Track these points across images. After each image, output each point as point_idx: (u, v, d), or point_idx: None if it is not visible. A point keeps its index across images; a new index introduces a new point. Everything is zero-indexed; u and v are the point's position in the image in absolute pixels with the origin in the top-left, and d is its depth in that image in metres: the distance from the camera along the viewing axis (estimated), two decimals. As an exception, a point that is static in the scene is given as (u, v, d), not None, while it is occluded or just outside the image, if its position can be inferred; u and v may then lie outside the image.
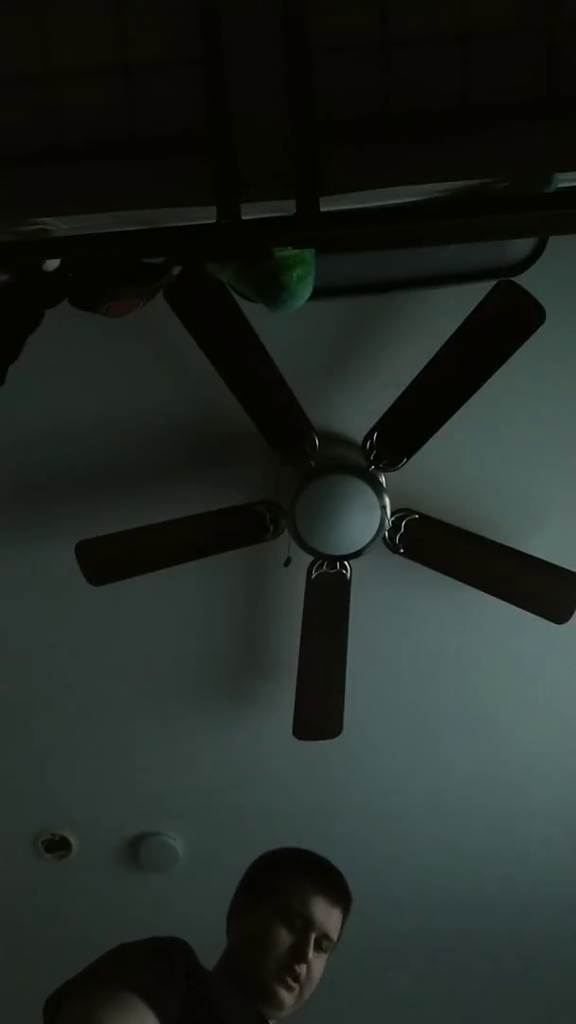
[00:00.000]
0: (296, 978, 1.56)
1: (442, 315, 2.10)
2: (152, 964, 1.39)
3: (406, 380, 2.11)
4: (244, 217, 0.93)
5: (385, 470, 2.25)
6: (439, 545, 2.31)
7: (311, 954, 1.58)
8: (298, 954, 1.56)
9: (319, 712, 2.52)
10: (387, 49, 0.89)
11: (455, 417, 2.13)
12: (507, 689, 2.67)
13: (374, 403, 2.20)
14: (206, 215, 0.94)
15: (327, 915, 1.62)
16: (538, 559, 2.31)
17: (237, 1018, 1.48)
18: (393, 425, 2.18)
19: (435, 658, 2.64)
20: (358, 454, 2.25)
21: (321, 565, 2.34)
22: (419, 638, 2.62)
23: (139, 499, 2.42)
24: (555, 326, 2.04)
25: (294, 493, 2.23)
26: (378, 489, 2.22)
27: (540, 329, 2.01)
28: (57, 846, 2.92)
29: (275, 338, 2.08)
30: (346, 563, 2.33)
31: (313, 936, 1.59)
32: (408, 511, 2.29)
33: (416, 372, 2.10)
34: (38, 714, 2.74)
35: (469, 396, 2.10)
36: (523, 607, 2.34)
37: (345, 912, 1.67)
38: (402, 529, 2.29)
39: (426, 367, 2.09)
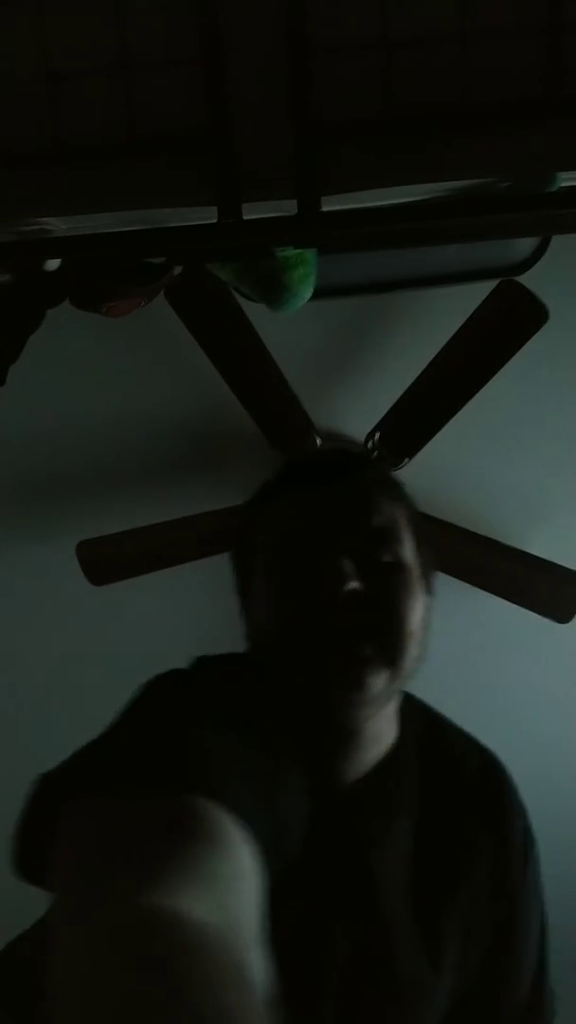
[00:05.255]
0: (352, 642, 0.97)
1: (443, 315, 2.10)
2: None
3: (407, 380, 2.11)
4: (245, 217, 0.93)
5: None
6: (439, 545, 2.31)
7: (351, 578, 0.99)
8: (327, 595, 0.99)
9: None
10: (387, 49, 0.89)
11: (456, 417, 2.12)
12: (509, 689, 2.67)
13: (375, 403, 2.19)
14: (206, 215, 0.93)
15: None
16: (540, 558, 2.31)
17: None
18: (394, 425, 2.17)
19: (435, 658, 2.62)
20: (359, 454, 2.25)
21: (322, 565, 2.33)
22: (420, 638, 2.61)
23: (139, 499, 2.42)
24: (557, 326, 2.04)
25: (295, 493, 2.22)
26: (379, 489, 2.22)
27: (542, 329, 2.01)
28: (57, 846, 2.92)
29: (276, 338, 2.07)
30: (347, 563, 2.33)
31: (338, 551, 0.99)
32: (409, 511, 2.29)
33: (418, 372, 2.09)
34: (38, 714, 2.74)
35: (471, 396, 2.09)
36: (525, 607, 2.33)
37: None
38: (403, 529, 2.28)
39: (427, 367, 2.08)
